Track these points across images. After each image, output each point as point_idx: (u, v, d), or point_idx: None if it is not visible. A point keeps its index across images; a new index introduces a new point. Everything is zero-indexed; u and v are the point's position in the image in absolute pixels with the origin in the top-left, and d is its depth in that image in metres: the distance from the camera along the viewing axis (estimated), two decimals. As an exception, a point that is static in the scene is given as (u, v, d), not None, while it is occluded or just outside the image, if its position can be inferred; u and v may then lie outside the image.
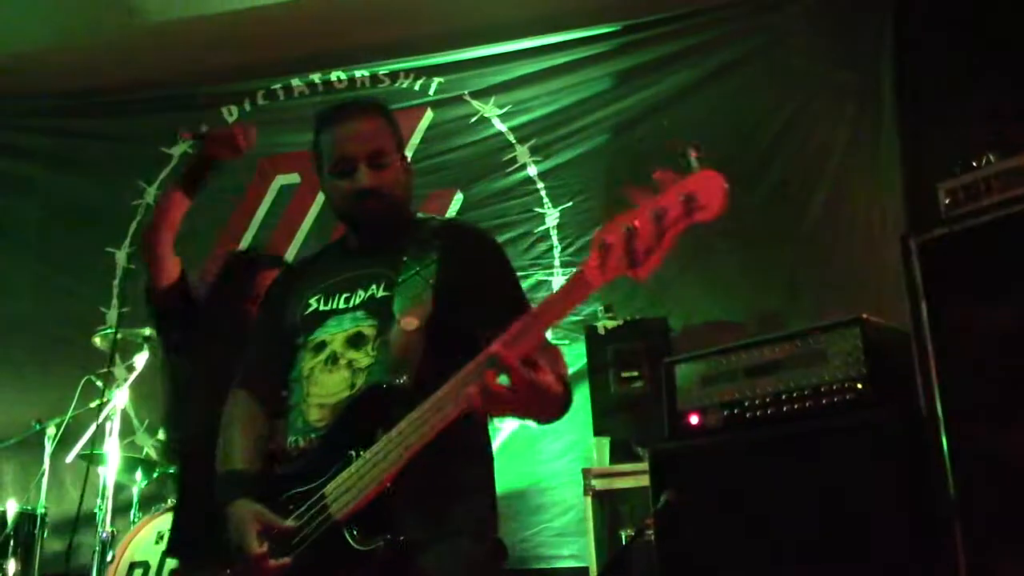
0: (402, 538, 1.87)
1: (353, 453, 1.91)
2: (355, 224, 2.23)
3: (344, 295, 2.15)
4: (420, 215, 2.33)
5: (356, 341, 2.08)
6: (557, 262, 4.97)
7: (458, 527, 2.00)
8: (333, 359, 2.08)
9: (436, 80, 5.45)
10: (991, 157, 2.92)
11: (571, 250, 4.97)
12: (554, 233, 5.05)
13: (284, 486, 2.01)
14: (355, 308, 2.11)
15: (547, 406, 1.87)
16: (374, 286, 2.12)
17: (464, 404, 1.78)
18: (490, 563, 2.06)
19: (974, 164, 2.90)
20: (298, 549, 1.93)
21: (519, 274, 2.35)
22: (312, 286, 2.21)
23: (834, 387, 2.87)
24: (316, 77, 5.62)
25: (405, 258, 2.13)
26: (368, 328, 2.07)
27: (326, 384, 2.06)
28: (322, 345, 2.10)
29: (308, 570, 1.92)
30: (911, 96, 4.46)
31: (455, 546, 1.97)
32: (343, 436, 1.96)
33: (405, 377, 1.96)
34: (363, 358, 2.05)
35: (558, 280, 4.88)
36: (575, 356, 4.35)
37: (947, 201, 2.91)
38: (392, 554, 1.86)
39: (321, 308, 2.15)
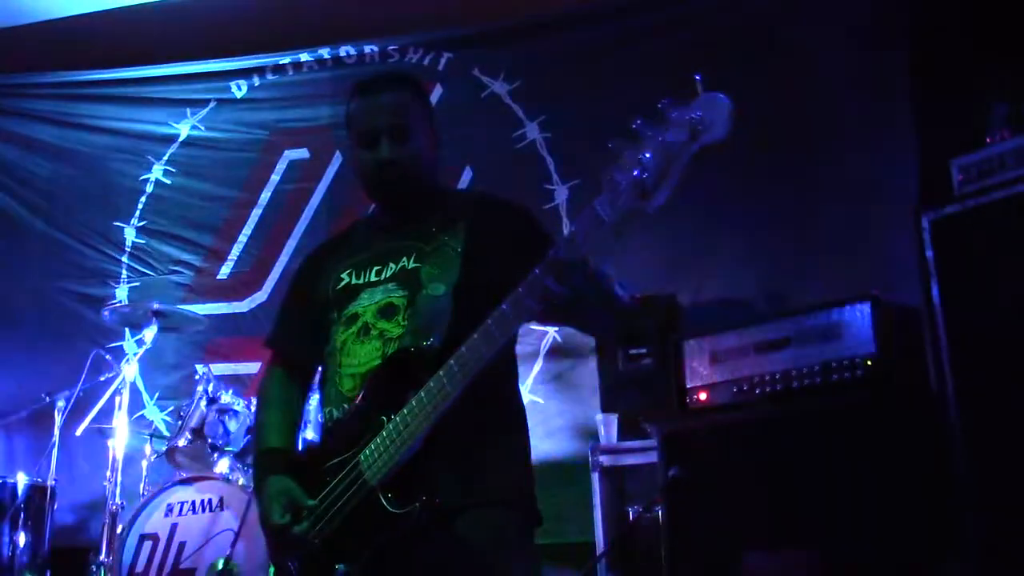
0: (438, 500, 1.89)
1: (385, 418, 1.93)
2: (378, 195, 2.26)
3: (375, 268, 2.17)
4: (448, 188, 2.35)
5: (387, 311, 2.10)
6: (566, 239, 4.95)
7: (493, 494, 2.01)
8: (364, 330, 2.10)
9: (446, 55, 5.42)
10: (1005, 133, 2.90)
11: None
12: (563, 210, 5.03)
13: (322, 458, 2.04)
14: (386, 280, 2.13)
15: (611, 312, 1.94)
16: (404, 258, 2.14)
17: (527, 313, 1.81)
18: (521, 532, 2.07)
19: (988, 140, 2.87)
20: (336, 518, 1.95)
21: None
22: (343, 261, 2.24)
23: (844, 364, 2.86)
24: (325, 52, 5.58)
25: (433, 228, 2.16)
26: (398, 299, 2.10)
27: (357, 354, 2.08)
28: (354, 317, 2.13)
29: (347, 536, 1.94)
30: (925, 72, 4.41)
31: (489, 514, 1.98)
32: (374, 403, 1.99)
33: (433, 340, 1.99)
34: (394, 328, 2.07)
35: (567, 258, 4.85)
36: (583, 333, 4.34)
37: (960, 177, 2.89)
38: (427, 517, 1.88)
39: (353, 282, 2.18)
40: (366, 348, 2.08)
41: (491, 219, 2.19)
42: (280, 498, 2.02)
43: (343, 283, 2.19)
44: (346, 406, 2.06)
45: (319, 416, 2.21)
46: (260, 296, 5.42)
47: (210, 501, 3.89)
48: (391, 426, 1.92)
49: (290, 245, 5.43)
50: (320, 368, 2.25)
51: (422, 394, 1.89)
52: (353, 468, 1.95)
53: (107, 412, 4.34)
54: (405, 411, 1.91)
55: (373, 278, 2.16)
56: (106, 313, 4.66)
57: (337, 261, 2.25)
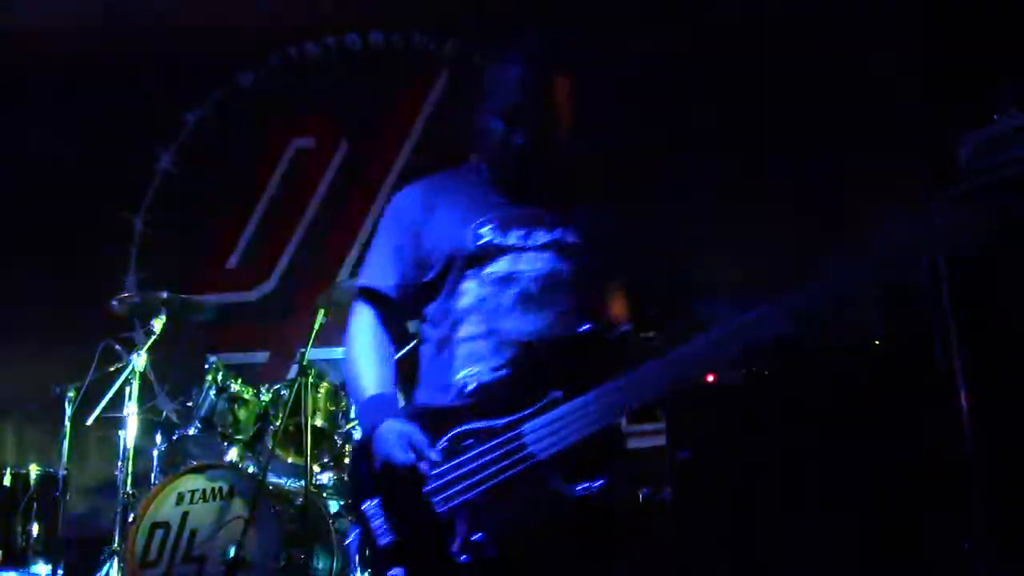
0: (605, 483, 1.87)
1: (561, 395, 1.89)
2: (505, 169, 2.16)
3: (519, 232, 2.09)
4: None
5: (551, 284, 2.05)
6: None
7: (627, 474, 2.16)
8: (526, 297, 2.04)
9: (451, 41, 5.41)
10: (1013, 112, 2.87)
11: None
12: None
13: (456, 419, 1.96)
14: (541, 248, 2.08)
15: None
16: (560, 230, 2.10)
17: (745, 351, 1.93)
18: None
19: (996, 118, 2.85)
20: (481, 485, 1.88)
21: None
22: (474, 213, 2.13)
23: (852, 345, 2.85)
24: (331, 41, 5.58)
25: (579, 207, 2.15)
26: (564, 271, 2.07)
27: (521, 323, 2.02)
28: (508, 280, 2.06)
29: (493, 506, 1.87)
30: (934, 52, 4.39)
31: (629, 493, 2.12)
32: (544, 377, 1.93)
33: (624, 328, 2.05)
34: (562, 301, 2.04)
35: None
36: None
37: (970, 155, 2.87)
38: (604, 500, 1.87)
39: (496, 241, 2.08)
40: (530, 319, 2.02)
41: (624, 214, 2.24)
42: (402, 440, 1.93)
43: (484, 239, 2.08)
44: (502, 372, 1.98)
45: (451, 375, 2.06)
46: (268, 285, 5.43)
47: (221, 489, 3.90)
48: (573, 404, 1.87)
49: (298, 233, 5.44)
50: (436, 320, 2.14)
51: (622, 383, 1.87)
52: (513, 439, 1.89)
53: (117, 402, 4.36)
54: (600, 393, 1.87)
55: (517, 242, 2.08)
56: (115, 303, 4.67)
57: (464, 210, 2.13)
